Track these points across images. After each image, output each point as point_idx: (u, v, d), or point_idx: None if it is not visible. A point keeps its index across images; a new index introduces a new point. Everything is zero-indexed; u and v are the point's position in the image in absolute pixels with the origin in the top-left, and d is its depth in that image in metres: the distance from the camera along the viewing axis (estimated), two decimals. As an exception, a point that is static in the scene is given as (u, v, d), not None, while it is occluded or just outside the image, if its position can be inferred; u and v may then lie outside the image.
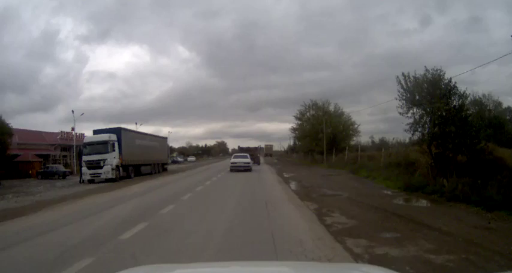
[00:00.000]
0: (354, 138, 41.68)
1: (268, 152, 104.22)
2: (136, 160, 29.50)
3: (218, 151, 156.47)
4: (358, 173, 21.57)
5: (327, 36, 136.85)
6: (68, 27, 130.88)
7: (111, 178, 25.38)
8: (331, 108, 42.45)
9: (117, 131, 27.49)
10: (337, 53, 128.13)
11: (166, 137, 39.79)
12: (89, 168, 25.94)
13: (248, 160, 30.46)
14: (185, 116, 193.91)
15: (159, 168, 34.77)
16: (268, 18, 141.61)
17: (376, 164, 22.91)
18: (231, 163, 30.07)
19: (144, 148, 31.37)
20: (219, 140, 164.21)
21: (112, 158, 25.84)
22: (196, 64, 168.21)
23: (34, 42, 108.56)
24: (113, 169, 25.57)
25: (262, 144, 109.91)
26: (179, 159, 75.57)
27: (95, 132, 28.46)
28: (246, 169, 28.84)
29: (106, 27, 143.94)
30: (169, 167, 54.16)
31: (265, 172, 28.02)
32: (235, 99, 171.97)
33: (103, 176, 25.46)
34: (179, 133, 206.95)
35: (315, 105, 42.88)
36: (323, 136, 37.50)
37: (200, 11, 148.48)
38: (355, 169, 23.32)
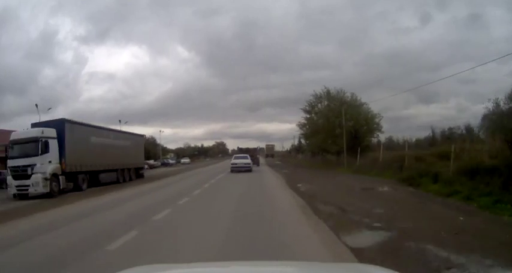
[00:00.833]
0: (376, 135, 33.34)
1: (270, 152, 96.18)
2: (92, 165, 21.38)
3: (217, 151, 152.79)
4: (422, 186, 13.38)
5: (327, 35, 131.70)
6: (66, 27, 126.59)
7: (47, 192, 17.39)
8: (348, 97, 34.04)
9: (59, 124, 19.33)
10: (337, 52, 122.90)
11: (143, 135, 31.40)
12: (14, 178, 17.81)
13: (248, 160, 30.76)
14: (185, 117, 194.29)
15: (130, 174, 26.58)
16: (268, 17, 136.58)
17: (442, 170, 14.67)
18: (232, 164, 30.26)
19: (106, 148, 23.21)
20: (218, 140, 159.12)
21: (45, 164, 17.69)
22: (196, 64, 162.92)
23: (32, 43, 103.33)
24: (45, 179, 17.42)
25: (262, 145, 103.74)
26: (170, 161, 67.20)
27: (32, 126, 20.38)
28: (247, 169, 29.06)
29: (105, 28, 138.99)
30: (157, 171, 46.13)
31: (272, 183, 19.60)
32: (235, 99, 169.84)
33: (31, 190, 17.36)
34: (179, 134, 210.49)
35: (328, 95, 34.53)
36: (342, 132, 29.16)
37: (199, 10, 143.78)
38: (411, 177, 15.11)
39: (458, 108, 73.03)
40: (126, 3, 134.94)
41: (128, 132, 28.46)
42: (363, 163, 24.97)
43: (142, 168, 29.49)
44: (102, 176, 22.62)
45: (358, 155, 26.13)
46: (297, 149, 77.13)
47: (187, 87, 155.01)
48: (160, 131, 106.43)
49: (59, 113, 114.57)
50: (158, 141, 75.13)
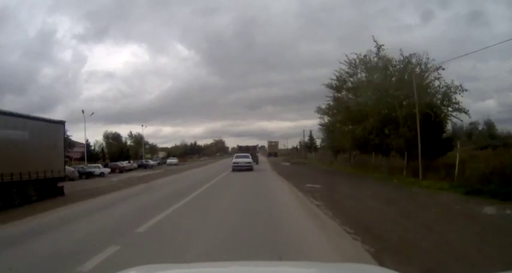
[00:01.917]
0: (454, 121, 20.57)
1: (273, 151, 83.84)
2: None
3: (215, 150, 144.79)
4: None
5: (327, 33, 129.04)
6: (65, 26, 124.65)
7: None
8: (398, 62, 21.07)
9: None
10: (337, 49, 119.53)
11: (63, 122, 17.92)
12: None
13: (249, 159, 31.07)
14: (185, 115, 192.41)
15: (28, 192, 14.10)
16: (268, 14, 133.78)
17: None
18: (233, 163, 30.44)
19: None
20: (216, 138, 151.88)
21: None
22: (196, 62, 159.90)
23: (31, 42, 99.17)
24: None
25: (263, 142, 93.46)
26: (151, 162, 54.36)
27: None
28: (248, 168, 29.31)
29: (104, 26, 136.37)
30: (125, 176, 33.64)
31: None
32: (235, 97, 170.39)
33: None
34: (179, 133, 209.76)
35: (370, 61, 21.76)
36: (416, 113, 16.21)
37: (199, 8, 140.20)
38: None
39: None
40: (124, 1, 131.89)
41: (23, 114, 15.20)
42: (474, 171, 12.37)
43: (60, 179, 16.76)
44: None
45: (458, 158, 13.47)
46: (308, 146, 64.36)
47: (187, 86, 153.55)
48: (142, 126, 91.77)
49: (58, 113, 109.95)
50: (153, 139, 63.24)
